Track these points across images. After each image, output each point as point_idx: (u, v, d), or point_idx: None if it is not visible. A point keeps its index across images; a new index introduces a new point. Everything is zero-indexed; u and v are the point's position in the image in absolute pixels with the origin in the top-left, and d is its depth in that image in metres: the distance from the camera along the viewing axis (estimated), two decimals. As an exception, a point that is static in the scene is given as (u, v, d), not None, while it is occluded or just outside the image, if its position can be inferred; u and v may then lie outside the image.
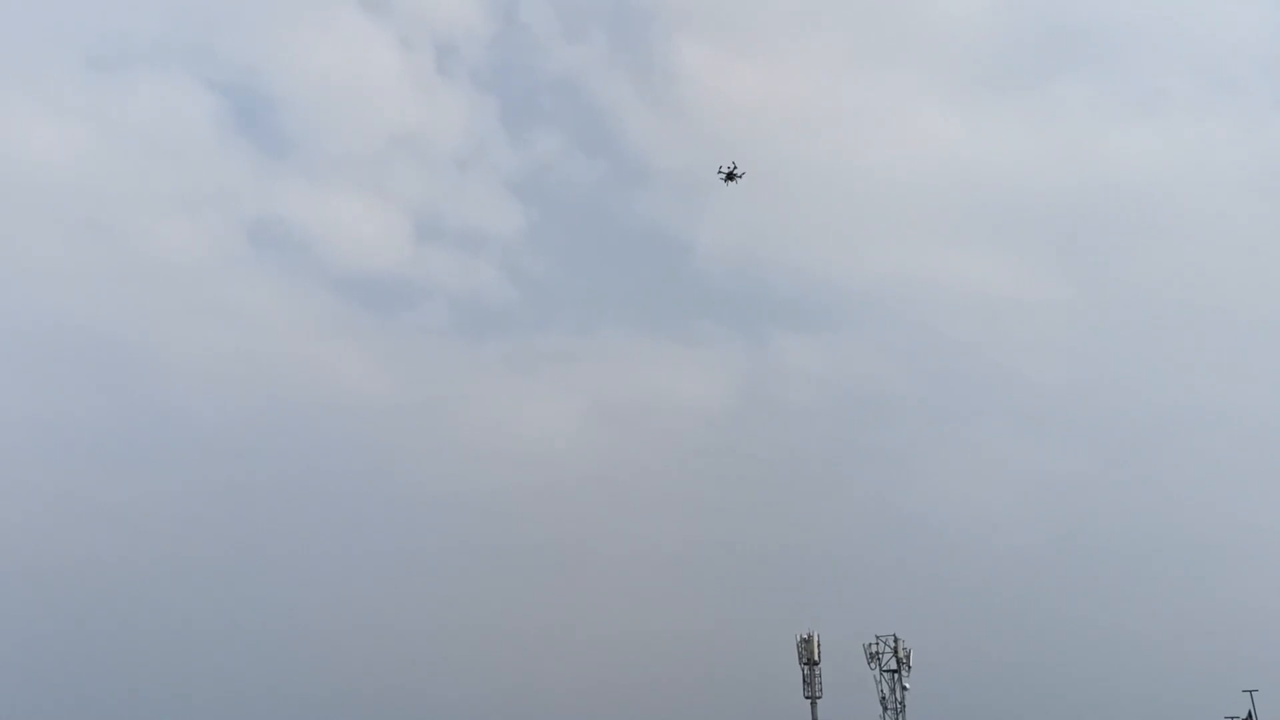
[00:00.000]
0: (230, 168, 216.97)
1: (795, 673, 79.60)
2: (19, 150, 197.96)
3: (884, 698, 78.28)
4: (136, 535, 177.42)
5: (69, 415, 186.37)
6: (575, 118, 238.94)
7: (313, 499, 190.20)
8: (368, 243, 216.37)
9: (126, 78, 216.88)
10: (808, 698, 78.87)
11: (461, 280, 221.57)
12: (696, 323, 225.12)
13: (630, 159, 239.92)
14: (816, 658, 79.51)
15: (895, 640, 79.13)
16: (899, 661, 78.69)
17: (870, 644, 78.48)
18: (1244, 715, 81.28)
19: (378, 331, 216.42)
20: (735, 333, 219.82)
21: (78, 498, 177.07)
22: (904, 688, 78.10)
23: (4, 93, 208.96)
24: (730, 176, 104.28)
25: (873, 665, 77.89)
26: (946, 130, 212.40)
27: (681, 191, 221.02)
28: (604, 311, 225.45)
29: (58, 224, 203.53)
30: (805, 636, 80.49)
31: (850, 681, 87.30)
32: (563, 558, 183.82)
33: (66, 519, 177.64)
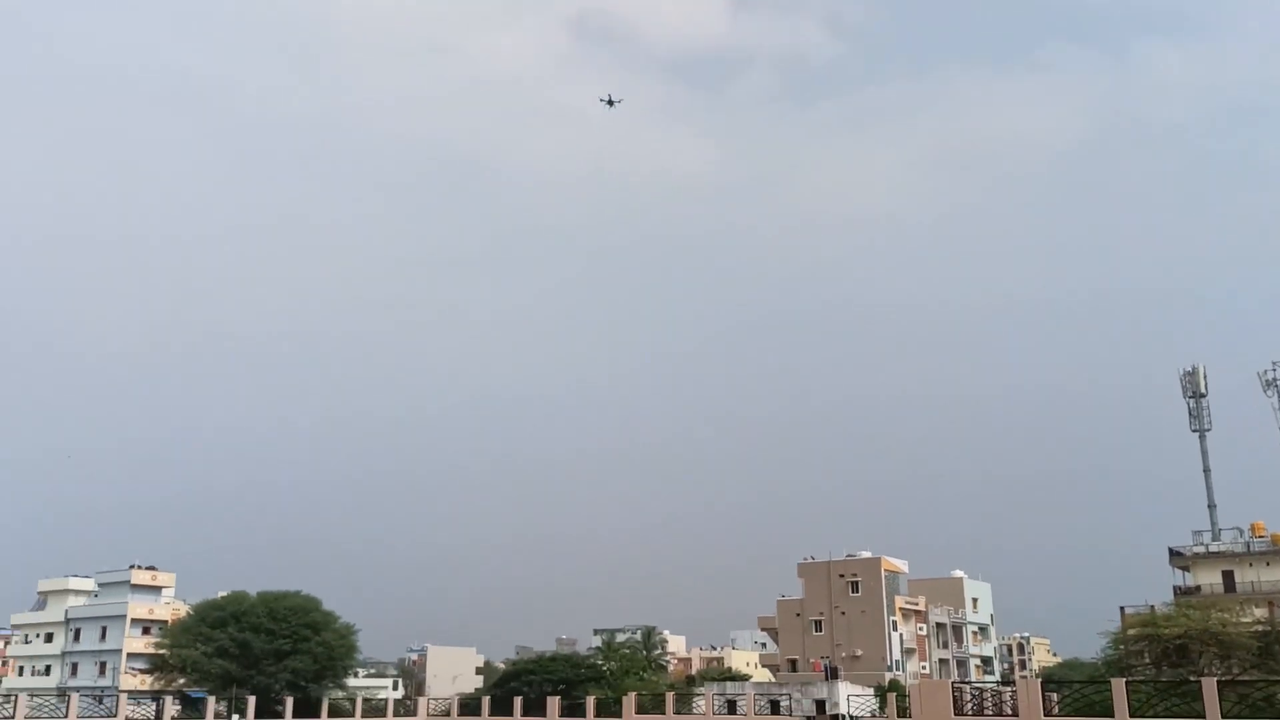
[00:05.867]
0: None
1: (1180, 408, 77.84)
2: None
3: (1284, 426, 74.94)
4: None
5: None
6: None
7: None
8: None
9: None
10: (1195, 431, 77.03)
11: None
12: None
13: None
14: (1204, 390, 77.15)
15: (1294, 365, 74.79)
16: (1300, 387, 74.66)
17: (1266, 371, 74.57)
18: None
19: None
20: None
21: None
22: (1305, 413, 74.35)
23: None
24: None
25: (1269, 393, 74.29)
26: None
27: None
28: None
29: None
30: (1190, 370, 78.20)
31: (1242, 412, 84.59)
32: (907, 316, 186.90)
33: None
